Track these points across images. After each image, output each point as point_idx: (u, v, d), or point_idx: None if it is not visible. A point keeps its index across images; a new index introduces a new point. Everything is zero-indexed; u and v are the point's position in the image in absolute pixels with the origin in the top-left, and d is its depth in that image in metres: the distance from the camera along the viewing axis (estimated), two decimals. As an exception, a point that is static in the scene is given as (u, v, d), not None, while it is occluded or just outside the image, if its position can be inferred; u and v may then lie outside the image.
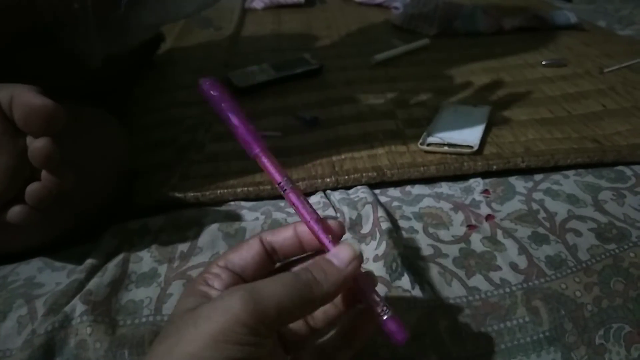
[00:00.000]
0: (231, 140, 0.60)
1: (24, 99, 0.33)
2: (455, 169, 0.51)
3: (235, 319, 0.23)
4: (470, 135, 0.54)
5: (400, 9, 1.00)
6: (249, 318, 0.23)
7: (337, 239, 0.30)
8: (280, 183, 0.29)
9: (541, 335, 0.36)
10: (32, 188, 0.34)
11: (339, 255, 0.28)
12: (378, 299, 0.29)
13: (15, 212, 0.35)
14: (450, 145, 0.53)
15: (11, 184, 0.34)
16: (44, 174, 0.35)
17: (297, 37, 0.95)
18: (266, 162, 0.30)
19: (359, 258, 0.28)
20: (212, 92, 0.30)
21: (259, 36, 0.97)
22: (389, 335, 0.28)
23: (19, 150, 0.34)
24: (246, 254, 0.29)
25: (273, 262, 0.31)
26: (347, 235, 0.43)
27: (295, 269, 0.28)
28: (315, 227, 0.29)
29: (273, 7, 1.12)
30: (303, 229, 0.30)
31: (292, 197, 0.29)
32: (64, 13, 0.40)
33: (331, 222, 0.30)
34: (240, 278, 0.29)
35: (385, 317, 0.28)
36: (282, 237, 0.30)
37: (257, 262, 0.29)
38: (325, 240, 0.29)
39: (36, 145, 0.33)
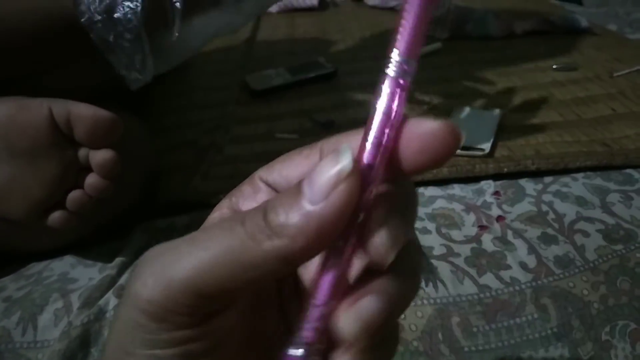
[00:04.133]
0: (249, 143, 0.63)
1: (88, 112, 0.36)
2: (467, 171, 0.52)
3: (141, 310, 0.16)
4: (482, 138, 0.56)
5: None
6: (154, 308, 0.16)
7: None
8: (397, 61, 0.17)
9: (549, 332, 0.38)
10: (74, 195, 0.37)
11: (314, 177, 0.16)
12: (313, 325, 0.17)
13: (56, 217, 0.38)
14: (462, 148, 0.54)
15: (55, 191, 0.37)
16: (88, 182, 0.37)
17: (312, 40, 0.97)
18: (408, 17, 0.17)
19: (349, 182, 0.15)
20: None
21: (274, 40, 0.99)
22: None
23: (66, 161, 0.37)
24: (294, 171, 0.20)
25: None
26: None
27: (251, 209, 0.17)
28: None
29: (287, 10, 1.14)
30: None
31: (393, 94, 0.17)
32: (117, 38, 0.42)
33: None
34: None
35: None
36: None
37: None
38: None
39: (104, 156, 0.37)
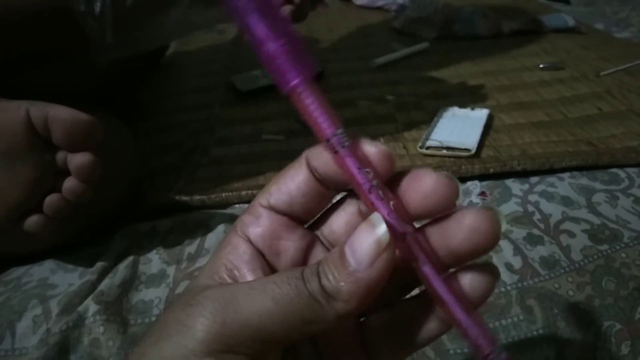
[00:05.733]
0: (235, 144, 0.62)
1: (66, 114, 0.35)
2: (453, 171, 0.52)
3: (195, 342, 0.18)
4: (468, 139, 0.56)
5: (399, 11, 1.01)
6: (214, 344, 0.17)
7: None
8: (329, 140, 0.18)
9: (535, 333, 0.38)
10: (51, 199, 0.37)
11: (355, 246, 0.18)
12: (481, 333, 0.18)
13: (32, 221, 0.37)
14: (448, 148, 0.54)
15: (32, 195, 0.36)
16: (66, 186, 0.37)
17: (299, 40, 0.96)
18: (310, 102, 0.18)
19: (389, 249, 0.18)
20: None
21: (261, 40, 0.99)
22: None
23: (44, 164, 0.36)
24: (291, 184, 0.21)
25: (329, 189, 0.21)
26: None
27: (306, 268, 0.19)
28: (372, 197, 0.19)
29: (275, 10, 1.13)
30: (366, 149, 0.19)
31: (349, 162, 0.18)
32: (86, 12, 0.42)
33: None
34: (287, 219, 0.22)
35: None
36: (326, 161, 0.20)
37: (306, 192, 0.21)
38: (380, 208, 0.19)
39: (82, 160, 0.36)
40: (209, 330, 0.18)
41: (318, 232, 0.23)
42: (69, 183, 0.37)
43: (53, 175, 0.37)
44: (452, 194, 0.19)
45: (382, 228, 0.18)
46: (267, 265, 0.21)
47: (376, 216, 0.18)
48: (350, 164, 0.18)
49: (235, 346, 0.18)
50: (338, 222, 0.22)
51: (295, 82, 0.18)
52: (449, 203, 0.19)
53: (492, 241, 0.19)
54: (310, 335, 0.19)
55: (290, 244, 0.22)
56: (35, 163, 0.36)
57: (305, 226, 0.23)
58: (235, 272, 0.21)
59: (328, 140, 0.18)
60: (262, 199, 0.22)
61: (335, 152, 0.18)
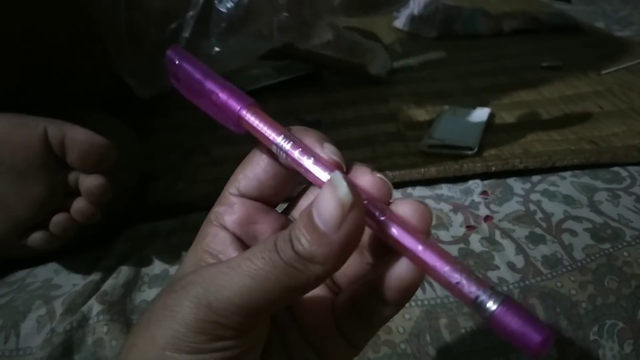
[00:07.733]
0: (236, 144, 0.62)
1: (83, 136, 0.35)
2: (455, 170, 0.52)
3: (185, 325, 0.18)
4: (470, 137, 0.56)
5: (401, 12, 1.01)
6: (203, 324, 0.18)
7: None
8: (276, 144, 0.21)
9: (537, 332, 0.38)
10: (58, 218, 0.37)
11: (321, 209, 0.18)
12: (460, 276, 0.17)
13: (37, 238, 0.37)
14: (450, 147, 0.54)
15: (39, 213, 0.36)
16: (75, 206, 0.37)
17: (300, 40, 0.96)
18: (254, 120, 0.22)
19: (356, 208, 0.18)
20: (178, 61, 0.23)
21: (262, 39, 0.99)
22: (514, 343, 0.16)
23: (55, 183, 0.36)
24: (257, 169, 0.22)
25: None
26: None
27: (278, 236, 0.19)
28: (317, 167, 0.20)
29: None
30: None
31: (297, 155, 0.21)
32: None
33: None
34: (259, 204, 0.23)
35: (492, 309, 0.16)
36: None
37: (273, 175, 0.22)
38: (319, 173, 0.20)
39: (94, 182, 0.36)
40: (197, 313, 0.18)
41: (290, 217, 0.24)
42: (79, 204, 0.37)
43: (63, 195, 0.37)
44: (386, 194, 0.20)
45: (343, 188, 0.18)
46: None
47: (336, 175, 0.18)
48: (299, 156, 0.21)
49: (224, 323, 0.18)
50: (307, 204, 0.23)
51: (239, 109, 0.22)
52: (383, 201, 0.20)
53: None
54: (296, 300, 0.20)
55: (267, 226, 0.23)
56: (46, 181, 0.36)
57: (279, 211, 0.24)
58: (221, 256, 0.22)
59: (276, 146, 0.21)
60: (232, 188, 0.22)
61: (285, 151, 0.21)
